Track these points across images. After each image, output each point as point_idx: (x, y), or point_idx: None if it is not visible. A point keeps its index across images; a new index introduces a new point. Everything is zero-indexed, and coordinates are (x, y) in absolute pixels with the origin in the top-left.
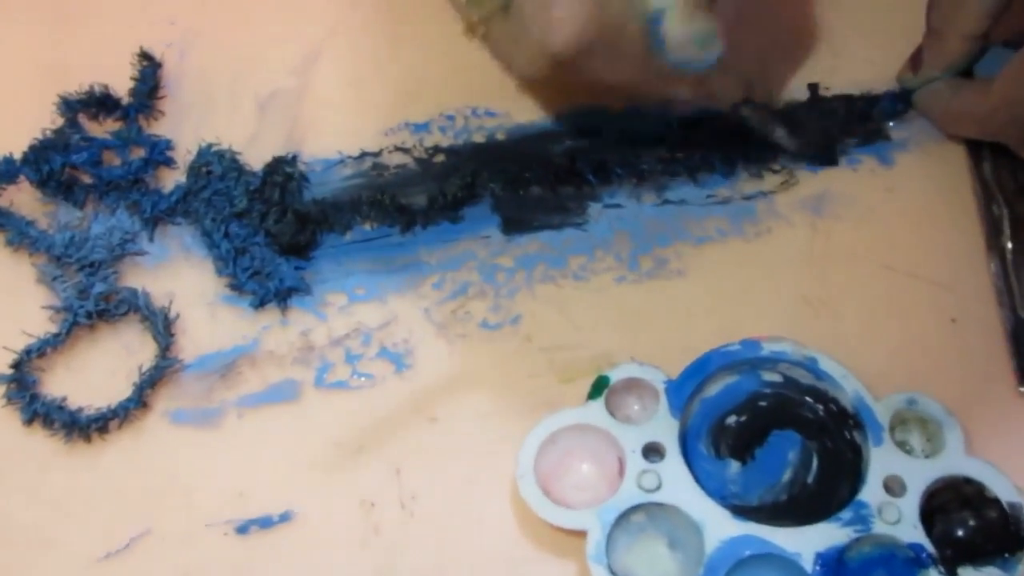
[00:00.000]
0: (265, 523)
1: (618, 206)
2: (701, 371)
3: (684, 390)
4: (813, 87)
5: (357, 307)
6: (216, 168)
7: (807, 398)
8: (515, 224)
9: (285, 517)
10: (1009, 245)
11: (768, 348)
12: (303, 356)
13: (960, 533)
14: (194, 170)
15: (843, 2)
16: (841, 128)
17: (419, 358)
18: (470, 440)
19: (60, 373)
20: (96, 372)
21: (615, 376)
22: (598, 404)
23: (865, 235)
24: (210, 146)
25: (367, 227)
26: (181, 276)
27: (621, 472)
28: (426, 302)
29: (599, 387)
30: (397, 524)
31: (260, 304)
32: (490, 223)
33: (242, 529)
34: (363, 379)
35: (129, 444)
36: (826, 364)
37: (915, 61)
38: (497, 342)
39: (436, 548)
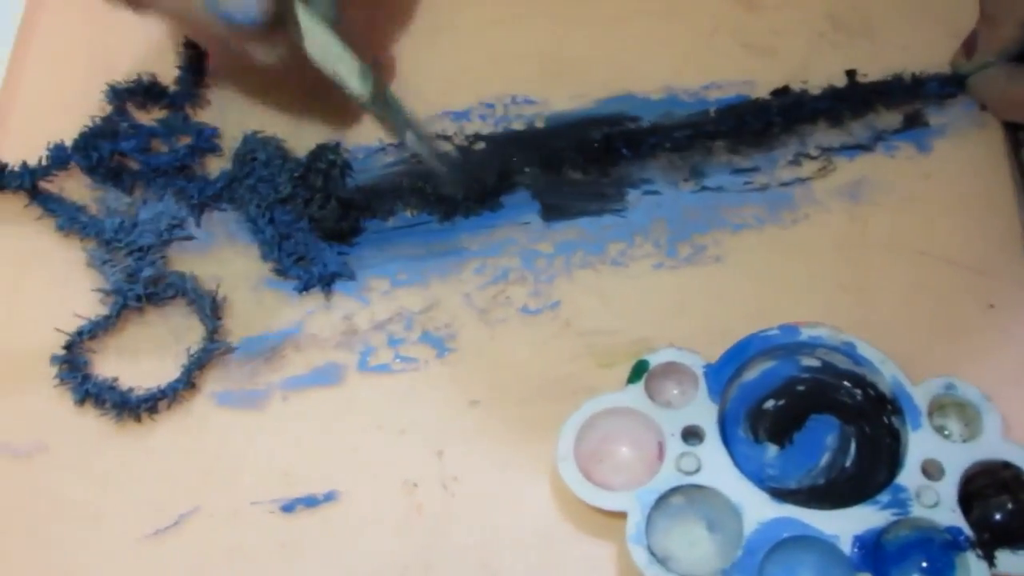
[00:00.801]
0: (310, 502)
1: (656, 193)
2: (740, 356)
3: (723, 374)
4: (851, 73)
5: (399, 292)
6: (261, 155)
7: (845, 383)
8: (555, 211)
9: (329, 497)
10: None
11: (806, 333)
12: (346, 340)
13: (998, 517)
14: (239, 157)
15: None
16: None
17: (460, 342)
18: (511, 423)
19: (110, 355)
20: (145, 354)
21: (654, 361)
22: (637, 388)
23: (902, 221)
24: (255, 133)
25: (409, 214)
26: (227, 261)
27: (660, 455)
28: (467, 287)
29: (638, 371)
30: (439, 505)
31: (304, 289)
32: (530, 210)
33: (288, 508)
34: (405, 363)
35: (178, 424)
36: (864, 349)
37: (968, 46)
38: (537, 327)
39: (478, 529)
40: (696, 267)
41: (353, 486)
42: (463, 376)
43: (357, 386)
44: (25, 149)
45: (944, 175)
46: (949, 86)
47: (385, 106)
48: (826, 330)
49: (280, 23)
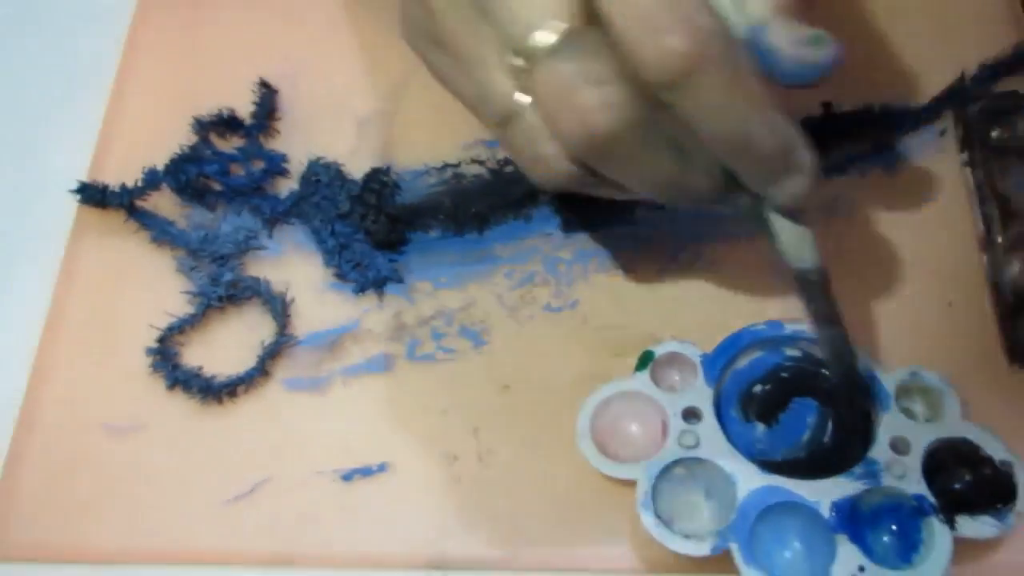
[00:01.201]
0: (365, 472)
1: (661, 208)
2: (732, 347)
3: (717, 363)
4: (826, 105)
5: (441, 293)
6: (323, 177)
7: (823, 370)
8: (574, 223)
9: (382, 467)
10: (999, 239)
11: (790, 328)
12: (396, 334)
13: (958, 487)
14: (305, 179)
15: (855, 30)
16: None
17: (493, 336)
18: (537, 404)
19: (196, 347)
20: (225, 346)
21: (659, 351)
22: (644, 375)
23: (872, 233)
24: (318, 159)
25: (443, 230)
26: (295, 267)
27: (664, 432)
28: (499, 289)
29: (645, 360)
30: (476, 475)
31: (360, 290)
32: (552, 223)
33: (347, 477)
34: (447, 353)
35: (253, 406)
36: None
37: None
38: (559, 323)
39: (509, 495)
40: (695, 271)
41: (402, 458)
42: (496, 364)
43: (405, 373)
44: (124, 173)
45: (909, 192)
46: (912, 118)
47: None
48: (807, 325)
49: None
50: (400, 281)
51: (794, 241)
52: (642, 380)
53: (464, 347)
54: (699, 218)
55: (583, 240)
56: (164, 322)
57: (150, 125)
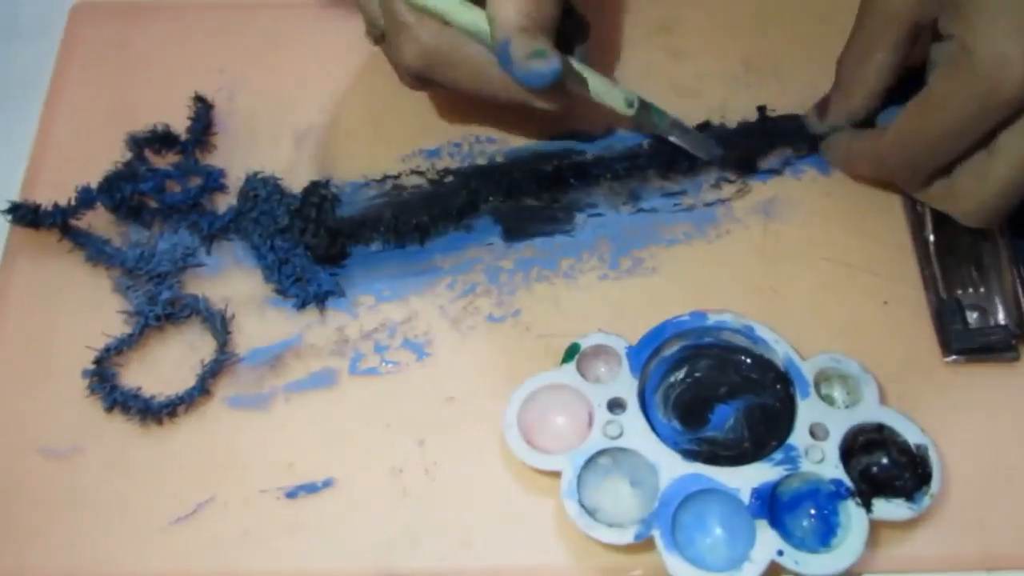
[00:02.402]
0: (311, 489)
1: (600, 215)
2: (657, 338)
3: (642, 354)
4: (761, 109)
5: (383, 306)
6: (262, 192)
7: (742, 356)
8: (514, 233)
9: (327, 483)
10: (932, 238)
11: (713, 318)
12: (339, 348)
13: (874, 471)
14: (243, 194)
15: (788, 36)
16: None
17: (436, 347)
18: (481, 414)
19: (135, 367)
20: (165, 366)
21: (585, 343)
22: (570, 367)
23: (808, 233)
24: (256, 174)
25: (386, 241)
26: (234, 284)
27: (590, 423)
28: (441, 300)
29: (571, 353)
30: (422, 487)
31: (302, 305)
32: (493, 232)
33: (291, 494)
34: (390, 366)
35: (194, 426)
36: (761, 331)
37: (822, 108)
38: (501, 332)
39: (455, 506)
40: (635, 277)
41: (347, 473)
42: (439, 376)
43: (349, 387)
44: (57, 192)
45: (843, 193)
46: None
47: (648, 114)
48: (729, 315)
49: (563, 79)
50: (342, 295)
51: (613, 100)
52: (568, 372)
53: (407, 359)
54: (638, 225)
55: (524, 249)
56: (101, 343)
57: (83, 142)
